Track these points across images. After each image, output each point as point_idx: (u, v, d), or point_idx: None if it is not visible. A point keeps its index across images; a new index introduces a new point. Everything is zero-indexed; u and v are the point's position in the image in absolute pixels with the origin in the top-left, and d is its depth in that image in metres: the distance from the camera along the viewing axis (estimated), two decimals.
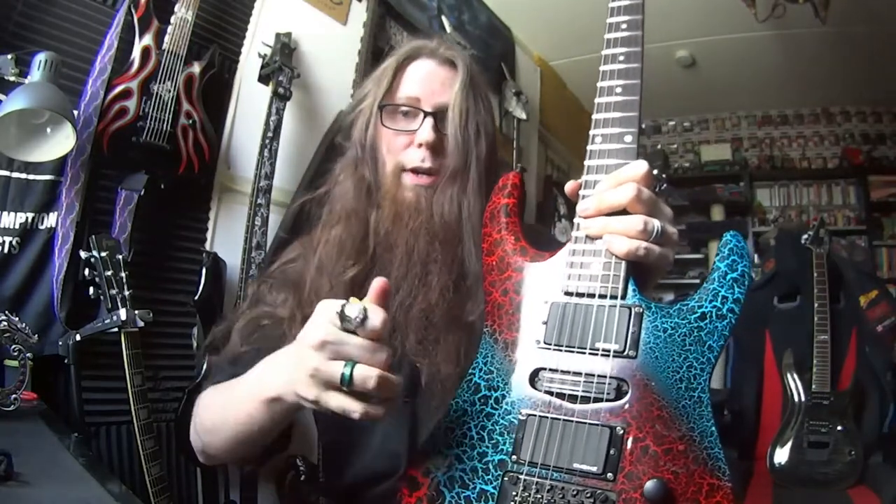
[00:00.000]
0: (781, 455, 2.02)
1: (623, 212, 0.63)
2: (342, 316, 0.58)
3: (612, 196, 0.64)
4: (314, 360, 0.58)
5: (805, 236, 2.19)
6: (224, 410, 0.77)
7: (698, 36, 3.47)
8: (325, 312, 0.61)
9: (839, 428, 1.98)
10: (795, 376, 2.08)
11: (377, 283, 0.62)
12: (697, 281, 4.28)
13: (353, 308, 0.58)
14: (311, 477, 1.84)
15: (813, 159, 4.73)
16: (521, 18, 3.30)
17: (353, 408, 0.58)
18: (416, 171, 0.89)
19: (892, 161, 4.43)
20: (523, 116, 3.14)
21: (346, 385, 0.57)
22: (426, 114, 0.89)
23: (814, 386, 2.04)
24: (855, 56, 3.52)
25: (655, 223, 0.63)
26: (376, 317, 0.58)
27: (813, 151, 4.72)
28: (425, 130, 0.88)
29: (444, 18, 2.70)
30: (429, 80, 0.91)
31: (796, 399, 2.06)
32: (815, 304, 2.10)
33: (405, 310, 0.84)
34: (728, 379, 2.43)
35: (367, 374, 0.57)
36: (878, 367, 2.10)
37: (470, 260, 0.87)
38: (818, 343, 2.06)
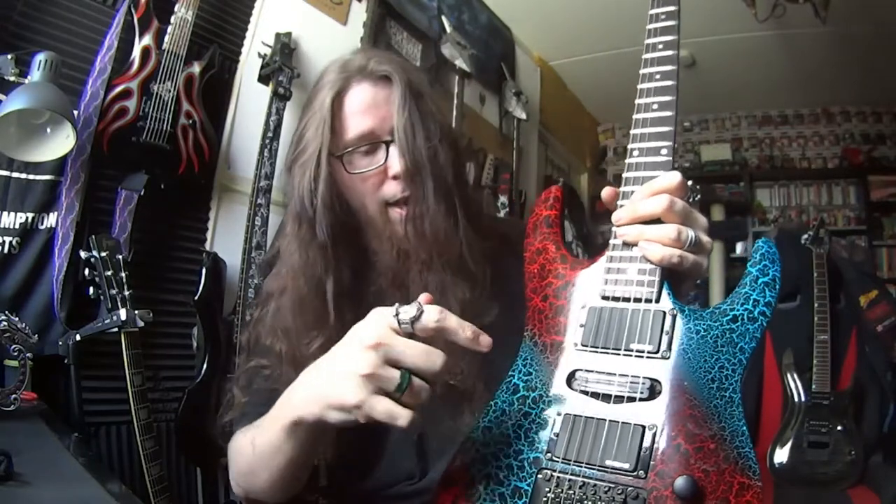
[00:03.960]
0: (781, 455, 2.02)
1: (658, 221, 0.65)
2: (397, 312, 0.58)
3: (645, 206, 0.65)
4: (368, 362, 0.57)
5: (805, 236, 2.20)
6: (254, 450, 0.74)
7: (698, 36, 3.47)
8: (380, 315, 0.60)
9: (839, 428, 1.98)
10: (795, 376, 2.08)
11: (423, 295, 0.62)
12: (698, 281, 4.28)
13: (409, 307, 0.58)
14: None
15: (813, 159, 4.73)
16: (521, 18, 3.30)
17: (402, 415, 0.57)
18: (398, 203, 0.86)
19: (892, 161, 4.43)
20: (523, 116, 3.14)
21: (399, 392, 0.57)
22: (388, 143, 0.84)
23: (814, 386, 2.04)
24: (855, 56, 3.53)
25: (689, 232, 0.64)
26: (432, 313, 0.58)
27: (813, 151, 4.72)
28: (394, 161, 0.83)
29: (444, 18, 2.70)
30: (373, 107, 0.85)
31: (796, 399, 2.06)
32: (815, 304, 2.10)
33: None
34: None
35: (422, 385, 0.58)
36: (878, 367, 2.10)
37: (472, 262, 0.85)
38: (818, 343, 2.06)
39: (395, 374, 0.57)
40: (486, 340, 0.60)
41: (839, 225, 4.50)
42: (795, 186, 4.76)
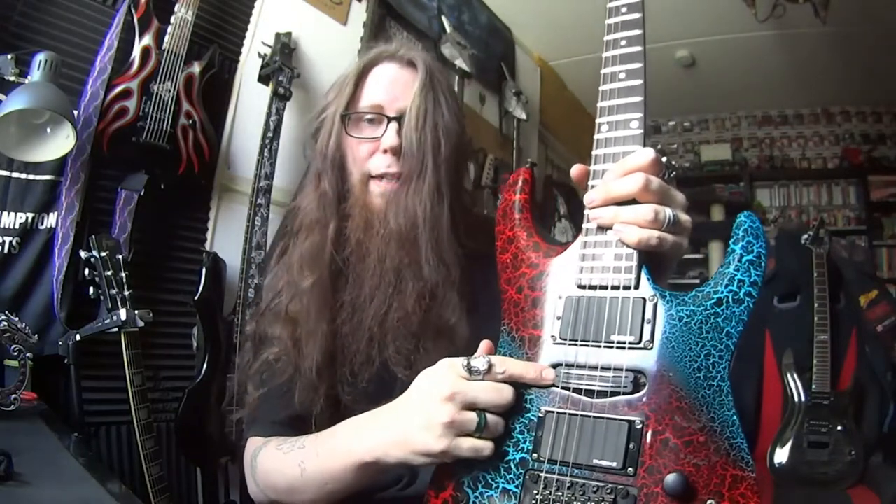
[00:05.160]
0: (781, 455, 2.02)
1: (633, 201, 0.62)
2: (469, 368, 0.63)
3: (619, 186, 0.62)
4: (447, 412, 0.62)
5: (805, 236, 2.19)
6: (302, 473, 0.77)
7: (698, 36, 3.47)
8: (449, 367, 0.65)
9: (839, 428, 1.98)
10: (795, 376, 2.08)
11: (484, 344, 0.67)
12: (697, 281, 4.28)
13: (479, 360, 0.64)
14: None
15: (813, 159, 4.73)
16: (521, 18, 3.30)
17: (486, 447, 0.62)
18: (383, 176, 0.88)
19: (892, 161, 4.43)
20: (523, 116, 3.14)
21: (479, 431, 0.62)
22: (390, 119, 0.88)
23: (814, 386, 2.03)
24: (855, 56, 3.53)
25: (667, 211, 0.61)
26: (498, 366, 0.63)
27: (813, 151, 4.72)
28: (390, 136, 0.86)
29: (444, 18, 2.70)
30: (391, 84, 0.90)
31: (796, 399, 2.06)
32: (815, 304, 2.09)
33: (380, 319, 0.84)
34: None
35: (497, 420, 0.63)
36: (878, 367, 2.10)
37: (429, 265, 0.85)
38: (818, 343, 2.06)
39: (473, 417, 0.62)
40: (548, 374, 0.63)
41: (839, 225, 4.50)
42: (795, 186, 4.76)
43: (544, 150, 3.82)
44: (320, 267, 0.87)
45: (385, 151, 0.87)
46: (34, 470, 0.78)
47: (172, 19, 1.56)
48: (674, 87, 4.13)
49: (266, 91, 1.78)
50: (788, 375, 2.10)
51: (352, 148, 0.90)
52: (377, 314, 0.84)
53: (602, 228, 0.64)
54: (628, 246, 0.62)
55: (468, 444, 0.62)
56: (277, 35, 1.84)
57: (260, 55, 1.83)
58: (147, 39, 1.51)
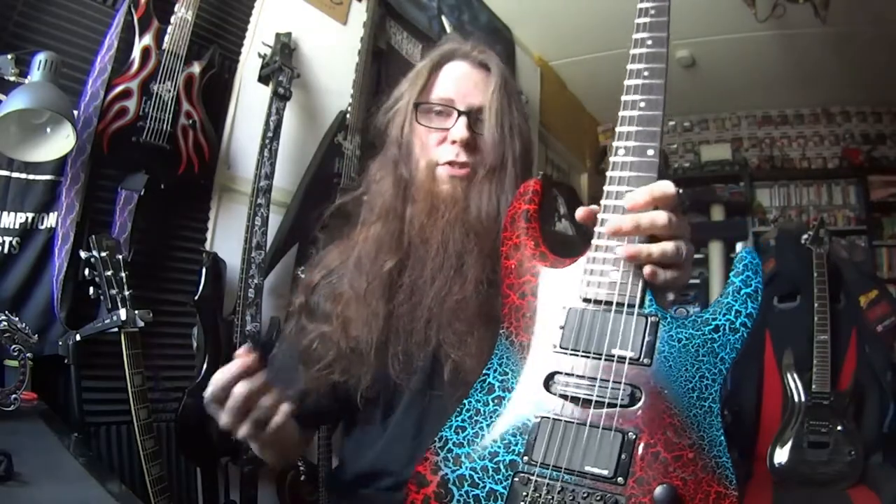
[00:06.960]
0: (781, 455, 2.02)
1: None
2: None
3: (649, 220, 0.65)
4: None
5: (805, 236, 2.19)
6: None
7: (698, 36, 3.47)
8: None
9: (839, 428, 1.98)
10: (795, 376, 2.08)
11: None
12: (697, 281, 4.28)
13: None
14: (311, 477, 1.84)
15: (813, 159, 4.72)
16: (521, 18, 3.30)
17: None
18: (451, 164, 0.91)
19: (892, 161, 4.42)
20: None
21: None
22: (460, 113, 0.91)
23: (814, 386, 2.04)
24: (855, 56, 3.52)
25: (682, 247, 0.65)
26: None
27: (813, 151, 4.71)
28: (459, 128, 0.90)
29: (444, 18, 2.70)
30: (462, 81, 0.94)
31: (796, 399, 2.06)
32: (815, 304, 2.10)
33: (440, 301, 0.86)
34: (728, 379, 2.43)
35: None
36: (878, 367, 2.10)
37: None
38: (818, 343, 2.06)
39: None
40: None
41: (839, 225, 4.49)
42: (795, 186, 4.75)
43: (544, 150, 3.82)
44: (399, 251, 0.90)
45: (453, 142, 0.90)
46: (34, 470, 0.78)
47: (172, 19, 1.55)
48: (674, 87, 4.04)
49: (266, 91, 1.78)
50: (788, 375, 2.10)
51: (420, 136, 0.94)
52: (437, 296, 0.86)
53: (611, 249, 0.67)
54: (652, 283, 0.65)
55: None
56: (277, 35, 1.84)
57: (260, 55, 1.83)
58: (147, 39, 1.50)
